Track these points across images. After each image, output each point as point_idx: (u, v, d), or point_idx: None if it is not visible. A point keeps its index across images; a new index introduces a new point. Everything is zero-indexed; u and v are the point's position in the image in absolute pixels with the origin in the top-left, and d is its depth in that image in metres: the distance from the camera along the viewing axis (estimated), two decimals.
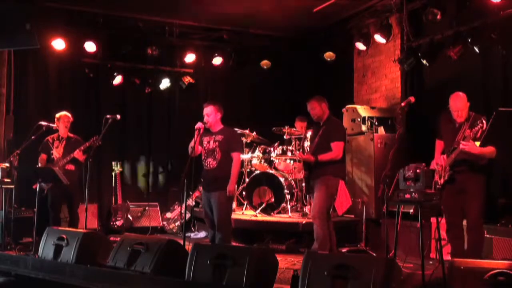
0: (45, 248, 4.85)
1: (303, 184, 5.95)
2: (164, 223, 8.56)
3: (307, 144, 6.19)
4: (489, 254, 5.08)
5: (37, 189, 6.20)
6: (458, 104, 4.94)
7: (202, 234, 8.02)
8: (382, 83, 7.89)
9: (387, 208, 4.93)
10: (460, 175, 4.84)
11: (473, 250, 4.83)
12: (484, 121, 4.51)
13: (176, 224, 8.44)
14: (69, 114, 6.91)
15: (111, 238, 6.28)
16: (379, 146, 6.83)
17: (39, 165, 6.76)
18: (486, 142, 4.62)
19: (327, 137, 5.58)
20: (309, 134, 6.16)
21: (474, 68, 6.36)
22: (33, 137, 6.56)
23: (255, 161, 7.72)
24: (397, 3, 7.29)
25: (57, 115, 6.87)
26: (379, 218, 6.61)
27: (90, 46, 8.02)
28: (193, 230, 8.19)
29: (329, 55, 8.44)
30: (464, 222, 5.06)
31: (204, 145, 5.71)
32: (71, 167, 6.70)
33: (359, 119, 7.10)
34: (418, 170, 4.39)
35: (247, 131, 7.77)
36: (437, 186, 4.86)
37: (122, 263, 4.28)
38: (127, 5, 7.86)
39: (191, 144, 5.58)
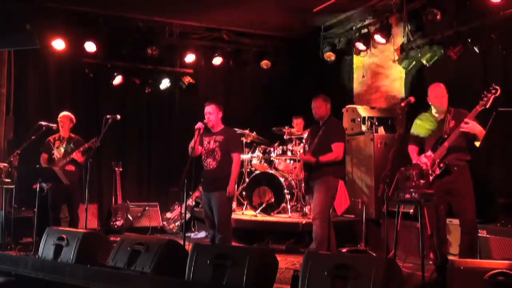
0: (45, 248, 4.85)
1: (303, 184, 5.96)
2: (164, 223, 8.56)
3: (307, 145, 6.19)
4: (489, 254, 5.08)
5: (37, 189, 6.20)
6: (439, 91, 4.99)
7: (202, 234, 8.02)
8: (382, 83, 7.88)
9: (387, 208, 4.92)
10: (448, 175, 4.81)
11: (469, 251, 4.84)
12: (496, 87, 4.48)
13: (176, 224, 8.44)
14: (69, 114, 6.92)
15: (111, 238, 6.29)
16: (379, 146, 6.82)
17: (42, 164, 6.77)
18: (486, 143, 4.62)
19: (328, 138, 5.58)
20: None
21: (474, 68, 6.35)
22: (33, 137, 6.56)
23: (255, 161, 7.72)
24: (397, 3, 7.28)
25: (59, 116, 6.90)
26: (379, 218, 6.60)
27: (90, 46, 8.02)
28: (193, 230, 8.19)
29: (329, 55, 8.44)
30: (456, 222, 5.09)
31: (204, 145, 5.71)
32: (71, 167, 6.71)
33: (359, 119, 7.09)
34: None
35: (247, 131, 7.78)
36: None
37: (122, 263, 4.28)
38: (127, 5, 7.86)
39: (191, 144, 5.59)
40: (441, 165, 4.81)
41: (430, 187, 4.80)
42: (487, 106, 4.53)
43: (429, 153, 4.93)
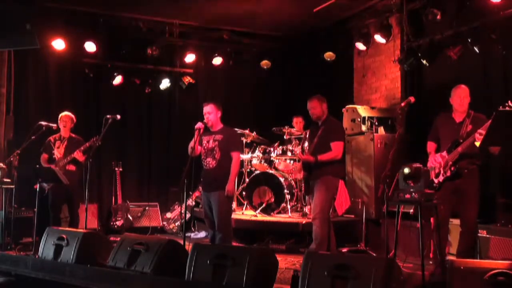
0: (45, 248, 4.85)
1: (303, 184, 5.98)
2: (164, 223, 8.56)
3: (307, 144, 6.20)
4: (488, 254, 5.10)
5: (38, 189, 6.20)
6: (461, 92, 5.07)
7: (202, 234, 8.02)
8: (382, 83, 7.88)
9: (387, 208, 4.94)
10: (458, 177, 4.92)
11: (467, 251, 4.94)
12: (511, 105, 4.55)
13: (176, 224, 8.44)
14: (70, 114, 6.92)
15: (111, 238, 6.29)
16: (379, 146, 6.82)
17: (42, 164, 6.77)
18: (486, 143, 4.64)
19: (327, 137, 5.58)
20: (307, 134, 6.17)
21: (474, 68, 6.35)
22: (33, 137, 6.56)
23: (255, 161, 7.72)
24: (397, 3, 7.28)
25: (59, 115, 6.90)
26: (379, 218, 6.60)
27: (90, 46, 8.01)
28: (193, 230, 8.20)
29: (329, 55, 8.43)
30: (456, 222, 5.19)
31: (204, 145, 5.71)
32: (71, 167, 6.71)
33: (359, 119, 7.09)
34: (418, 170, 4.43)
35: (247, 131, 7.78)
36: (434, 185, 4.90)
37: (122, 263, 4.28)
38: (127, 5, 7.86)
39: (191, 144, 5.59)
40: (452, 168, 4.92)
41: (440, 187, 4.90)
42: None
43: (444, 153, 5.03)
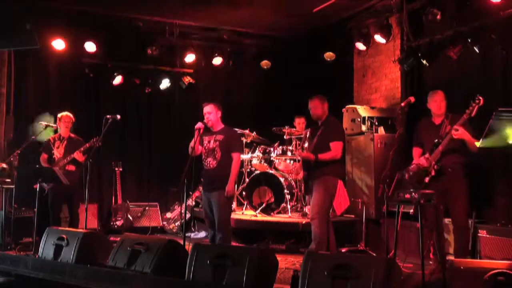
0: (45, 248, 4.85)
1: (303, 184, 5.98)
2: (164, 223, 8.57)
3: (307, 144, 6.20)
4: (488, 254, 5.10)
5: (38, 189, 6.20)
6: (437, 97, 5.24)
7: (202, 234, 8.03)
8: (382, 83, 7.88)
9: (387, 208, 4.94)
10: (443, 176, 4.99)
11: (461, 249, 4.98)
12: (480, 98, 4.72)
13: (176, 224, 8.44)
14: (70, 114, 6.92)
15: (111, 238, 6.29)
16: (379, 146, 6.82)
17: (42, 164, 6.77)
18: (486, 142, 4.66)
19: (326, 137, 5.58)
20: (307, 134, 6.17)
21: (474, 68, 6.35)
22: (33, 137, 6.56)
23: (255, 161, 7.72)
24: (397, 3, 7.28)
25: (59, 115, 6.89)
26: (379, 218, 6.60)
27: (90, 46, 8.01)
28: (193, 230, 8.20)
29: (329, 55, 8.43)
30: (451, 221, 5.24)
31: (205, 145, 5.71)
32: (71, 167, 6.71)
33: (359, 119, 7.09)
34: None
35: (247, 131, 7.78)
36: (421, 187, 4.95)
37: (122, 263, 4.28)
38: (127, 5, 7.86)
39: (191, 144, 5.59)
40: (435, 167, 5.00)
41: (426, 188, 4.94)
42: (472, 115, 4.80)
43: (427, 155, 5.12)
